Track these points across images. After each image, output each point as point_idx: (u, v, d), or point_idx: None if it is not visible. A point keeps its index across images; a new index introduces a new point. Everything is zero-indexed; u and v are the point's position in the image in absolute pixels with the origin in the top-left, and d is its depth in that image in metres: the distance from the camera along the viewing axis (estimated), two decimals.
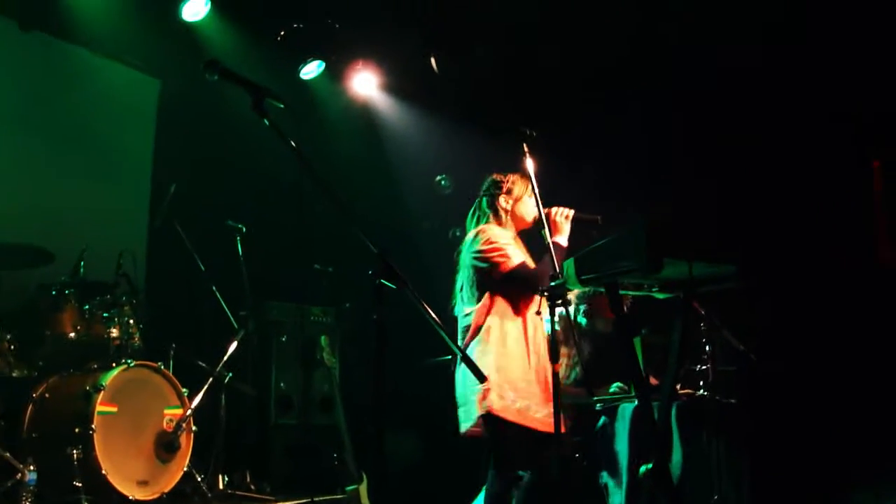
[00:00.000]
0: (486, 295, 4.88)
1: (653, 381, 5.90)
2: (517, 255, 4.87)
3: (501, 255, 4.83)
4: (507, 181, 5.10)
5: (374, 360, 3.53)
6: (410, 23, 7.55)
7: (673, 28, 7.09)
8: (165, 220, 6.60)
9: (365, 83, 8.00)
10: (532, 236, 5.11)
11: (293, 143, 3.59)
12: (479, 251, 4.89)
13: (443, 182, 8.14)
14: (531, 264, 4.93)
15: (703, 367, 5.79)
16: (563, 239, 4.88)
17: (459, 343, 4.96)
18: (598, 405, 6.15)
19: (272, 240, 7.21)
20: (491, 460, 4.86)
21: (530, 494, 4.99)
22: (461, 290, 5.02)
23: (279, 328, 7.16)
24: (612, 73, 7.23)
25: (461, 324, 4.99)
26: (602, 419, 6.12)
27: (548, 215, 4.90)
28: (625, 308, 5.86)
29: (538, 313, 4.76)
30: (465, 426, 4.84)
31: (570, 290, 4.35)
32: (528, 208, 5.03)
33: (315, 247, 7.41)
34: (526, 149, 4.69)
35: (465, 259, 5.00)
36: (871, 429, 6.53)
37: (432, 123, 7.96)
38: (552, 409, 4.75)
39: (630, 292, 4.18)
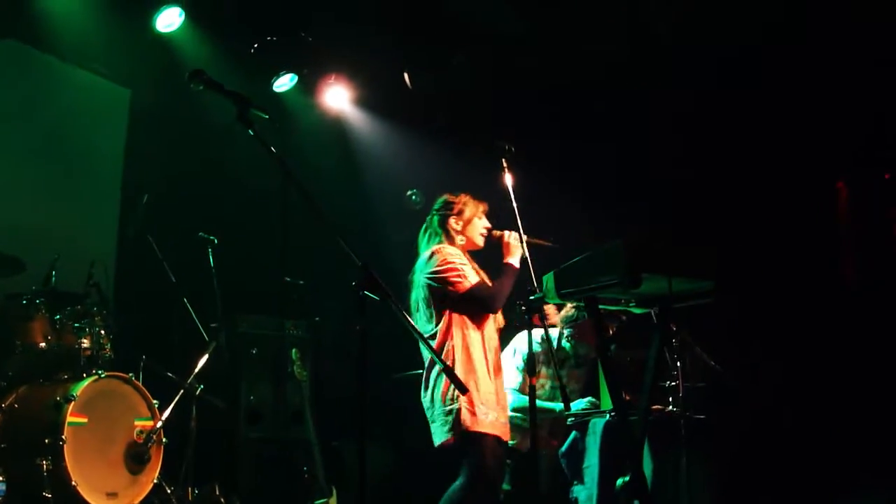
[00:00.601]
0: (445, 314, 4.98)
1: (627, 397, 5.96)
2: (473, 275, 4.99)
3: (458, 276, 4.93)
4: (459, 202, 5.22)
5: (357, 371, 3.56)
6: (384, 37, 7.58)
7: (649, 43, 7.20)
8: (138, 230, 6.56)
9: (337, 97, 8.02)
10: (484, 256, 5.21)
11: (277, 154, 3.59)
12: (435, 272, 4.98)
13: (413, 197, 8.14)
14: (488, 283, 5.05)
15: (674, 383, 5.86)
16: (515, 260, 4.99)
17: (424, 362, 5.07)
18: (569, 420, 6.20)
19: (244, 252, 7.19)
20: (464, 472, 4.90)
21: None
22: (417, 310, 5.10)
23: (250, 341, 7.12)
24: (589, 87, 7.30)
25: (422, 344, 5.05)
26: (573, 434, 6.17)
27: (500, 237, 5.07)
28: (610, 332, 5.94)
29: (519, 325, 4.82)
30: (438, 440, 4.92)
31: (547, 304, 4.40)
32: (478, 230, 5.16)
33: (287, 260, 7.39)
34: (504, 164, 4.75)
35: (420, 279, 5.09)
36: (838, 444, 6.63)
37: (404, 138, 8.00)
38: (504, 418, 5.03)
39: (609, 307, 4.23)
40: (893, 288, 7.46)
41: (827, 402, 6.78)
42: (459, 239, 5.14)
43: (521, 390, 6.19)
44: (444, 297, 4.93)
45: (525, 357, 5.66)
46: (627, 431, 4.20)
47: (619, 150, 7.29)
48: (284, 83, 7.85)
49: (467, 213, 5.14)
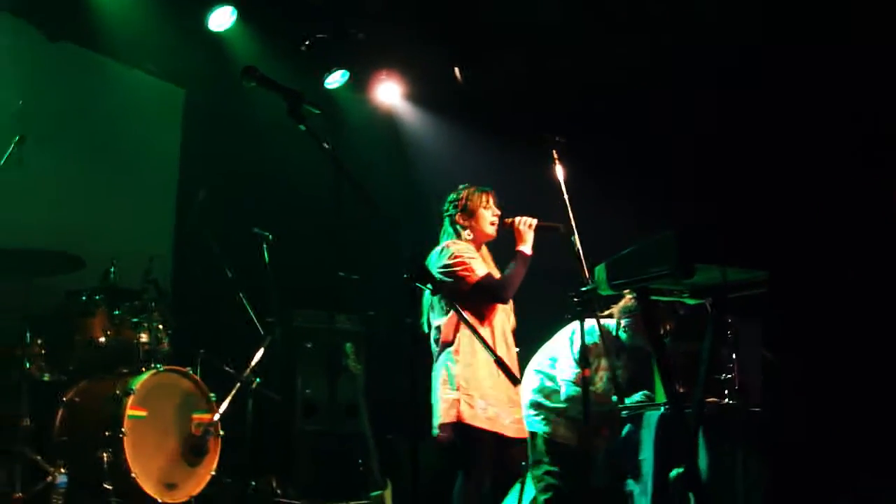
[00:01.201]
0: (454, 308, 4.93)
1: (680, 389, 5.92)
2: (481, 267, 5.01)
3: (466, 269, 4.96)
4: (462, 197, 5.26)
5: (409, 362, 3.58)
6: (434, 33, 7.61)
7: (692, 32, 7.13)
8: (194, 226, 6.65)
9: (389, 92, 8.06)
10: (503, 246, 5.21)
11: (329, 148, 3.62)
12: (444, 266, 5.01)
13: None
14: (496, 275, 5.09)
15: (728, 376, 5.82)
16: (527, 248, 5.03)
17: (432, 352, 5.11)
18: (623, 412, 6.18)
19: (298, 247, 7.25)
20: (460, 466, 4.94)
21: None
22: (432, 308, 5.11)
23: (305, 335, 7.21)
24: (639, 78, 7.26)
25: (432, 336, 5.10)
26: (627, 427, 6.15)
27: (511, 224, 5.08)
28: (668, 327, 5.90)
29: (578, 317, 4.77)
30: (435, 426, 4.97)
31: (599, 295, 4.39)
32: (487, 220, 5.17)
33: (341, 255, 7.45)
34: (555, 155, 4.75)
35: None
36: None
37: (456, 132, 8.01)
38: (518, 416, 5.07)
39: (661, 297, 4.20)
40: None
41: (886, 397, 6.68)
42: (467, 234, 5.17)
43: (576, 382, 6.18)
44: (455, 290, 4.94)
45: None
46: (681, 424, 4.16)
47: (671, 144, 7.24)
48: (336, 80, 7.90)
49: (471, 206, 5.18)
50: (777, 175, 6.98)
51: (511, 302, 5.21)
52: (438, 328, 5.02)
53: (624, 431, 6.15)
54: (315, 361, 7.21)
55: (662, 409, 5.77)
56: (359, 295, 7.41)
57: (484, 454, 4.90)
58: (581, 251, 4.68)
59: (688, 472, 3.92)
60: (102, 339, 6.01)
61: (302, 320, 7.22)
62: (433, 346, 5.09)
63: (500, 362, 3.70)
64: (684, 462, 4.02)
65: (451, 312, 4.96)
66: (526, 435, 5.12)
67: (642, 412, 6.08)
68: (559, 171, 4.79)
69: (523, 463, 5.51)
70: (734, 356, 5.59)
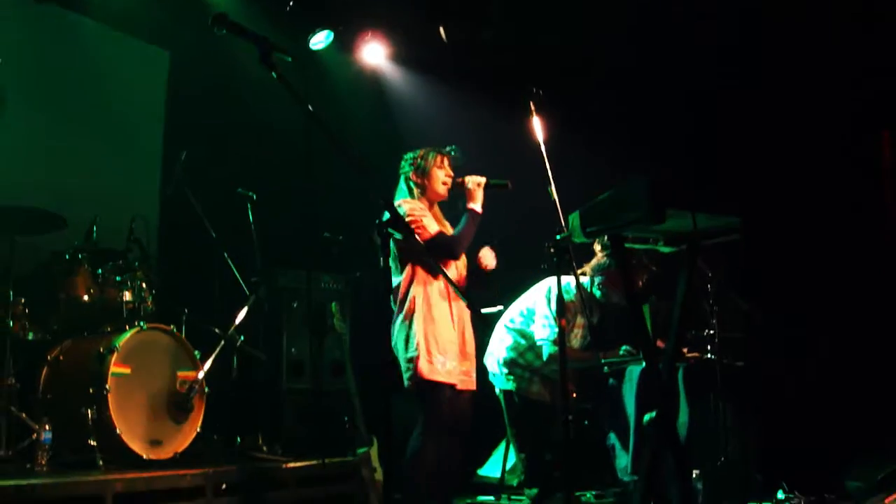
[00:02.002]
0: (408, 266, 5.10)
1: (660, 344, 5.97)
2: (433, 224, 5.10)
3: (419, 227, 5.03)
4: (417, 157, 5.33)
5: (382, 306, 3.61)
6: None
7: None
8: (177, 187, 6.66)
9: (374, 53, 8.04)
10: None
11: (301, 95, 3.62)
12: None
13: (453, 153, 8.16)
14: (448, 231, 5.17)
15: (711, 332, 5.86)
16: (477, 206, 5.13)
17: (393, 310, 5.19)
18: (605, 368, 6.23)
19: (283, 208, 7.26)
20: (420, 420, 5.05)
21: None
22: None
23: (290, 295, 7.23)
24: (619, 36, 7.26)
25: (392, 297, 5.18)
26: (610, 381, 6.20)
27: (461, 183, 5.18)
28: (640, 283, 5.95)
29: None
30: (405, 385, 5.08)
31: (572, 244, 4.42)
32: (439, 181, 5.24)
33: (326, 215, 7.46)
34: (532, 107, 4.77)
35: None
36: (875, 396, 6.59)
37: (443, 93, 8.01)
38: (468, 367, 5.17)
39: (636, 245, 4.23)
40: None
41: (862, 351, 6.73)
42: (419, 192, 5.25)
43: (555, 342, 6.23)
44: (408, 248, 5.05)
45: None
46: (656, 377, 4.18)
47: (658, 96, 7.25)
48: (320, 41, 7.87)
49: (425, 166, 5.25)
50: (752, 122, 7.00)
51: (464, 258, 5.29)
52: (396, 288, 5.10)
53: (607, 386, 6.23)
54: (300, 321, 7.23)
55: (644, 363, 5.82)
56: (344, 256, 7.43)
57: (444, 408, 5.02)
58: (558, 201, 4.69)
59: (659, 414, 3.94)
60: (86, 298, 6.03)
61: (287, 280, 7.23)
62: (392, 305, 5.16)
63: (476, 311, 3.75)
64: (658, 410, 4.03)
65: (406, 272, 5.07)
66: (472, 388, 5.20)
67: (624, 367, 6.14)
68: (536, 123, 4.80)
69: None
70: (715, 310, 5.62)
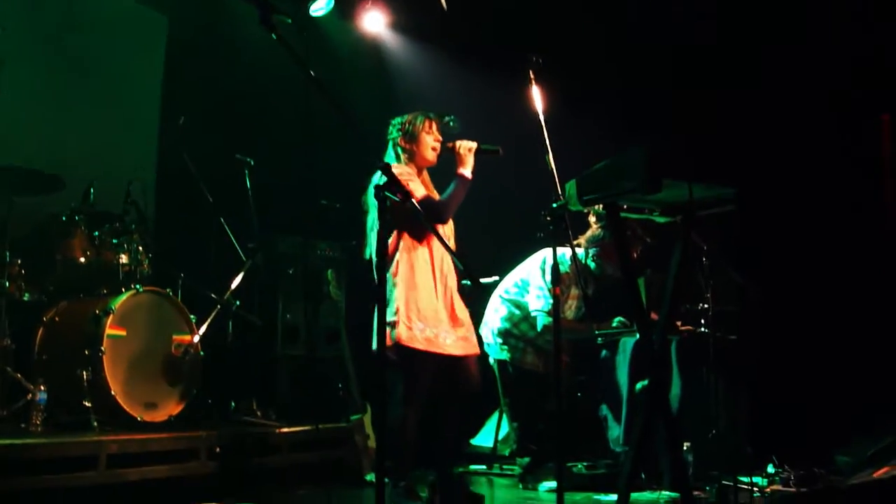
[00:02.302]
0: (395, 231, 5.09)
1: (654, 316, 5.99)
2: (420, 188, 5.09)
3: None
4: (406, 122, 5.30)
5: (377, 270, 3.61)
6: None
7: None
8: (175, 152, 6.65)
9: (374, 21, 8.00)
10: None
11: (300, 59, 3.61)
12: None
13: (451, 122, 8.14)
14: (435, 196, 5.17)
15: (705, 306, 5.87)
16: (467, 171, 5.10)
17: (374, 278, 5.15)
18: (599, 339, 6.25)
19: (281, 174, 7.26)
20: (398, 387, 5.04)
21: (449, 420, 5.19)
22: (371, 230, 5.22)
23: (286, 261, 7.23)
24: (620, 4, 7.24)
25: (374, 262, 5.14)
26: (603, 352, 6.23)
27: (452, 148, 5.15)
28: (635, 254, 5.96)
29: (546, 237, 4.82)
30: (375, 346, 4.97)
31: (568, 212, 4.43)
32: (428, 146, 5.22)
33: (324, 182, 7.45)
34: (532, 76, 4.76)
35: (371, 199, 5.11)
36: (867, 374, 6.62)
37: (442, 61, 7.99)
38: (465, 333, 5.14)
39: (632, 215, 4.24)
40: None
41: (855, 327, 6.76)
42: (406, 157, 5.24)
43: (549, 313, 6.26)
44: (395, 213, 4.94)
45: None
46: (649, 348, 4.20)
47: (658, 67, 7.25)
48: (321, 7, 7.81)
49: (413, 131, 5.23)
50: (749, 94, 7.00)
51: (452, 225, 5.29)
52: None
53: (601, 357, 6.25)
54: (296, 288, 7.24)
55: (637, 335, 5.85)
56: (341, 223, 7.43)
57: (421, 376, 4.99)
58: (555, 171, 4.69)
59: (652, 383, 3.96)
60: (82, 260, 6.04)
61: (284, 246, 7.24)
62: (374, 272, 5.11)
63: (470, 276, 3.77)
64: (650, 379, 4.05)
65: (392, 237, 5.06)
66: (474, 351, 5.17)
67: (618, 339, 6.16)
68: (535, 92, 4.79)
69: None
70: (710, 283, 5.63)
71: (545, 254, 6.36)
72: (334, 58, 8.05)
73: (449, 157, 5.20)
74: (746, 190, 3.99)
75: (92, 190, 6.15)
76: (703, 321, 6.05)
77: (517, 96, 5.08)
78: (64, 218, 6.05)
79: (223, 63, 7.72)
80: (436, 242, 5.12)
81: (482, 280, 5.38)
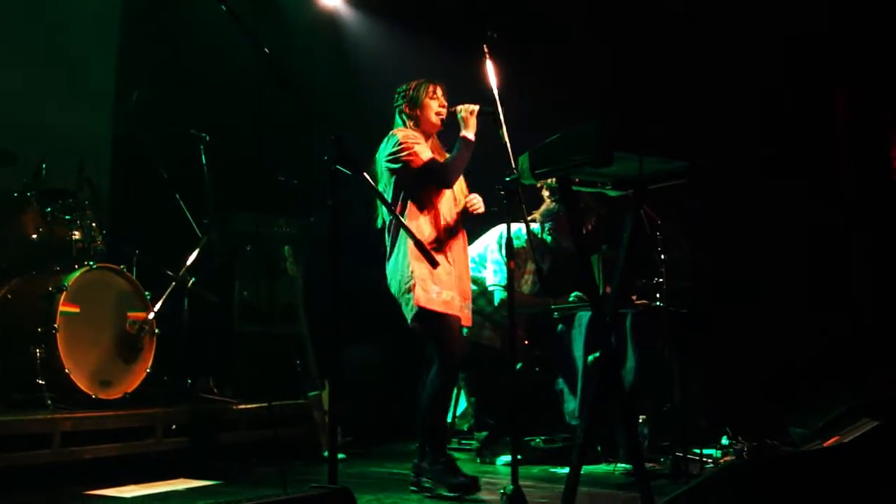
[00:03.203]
0: (401, 198, 5.11)
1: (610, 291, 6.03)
2: (426, 152, 5.11)
3: (411, 154, 5.07)
4: (409, 88, 5.32)
5: (330, 246, 3.60)
6: None
7: None
8: (129, 127, 6.58)
9: None
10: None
11: (252, 32, 3.59)
12: (391, 154, 5.13)
13: None
14: (441, 160, 5.18)
15: (659, 280, 5.92)
16: (470, 133, 5.11)
17: (386, 248, 5.22)
18: (555, 314, 6.29)
19: (237, 150, 7.20)
20: (435, 354, 5.08)
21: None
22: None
23: (243, 238, 7.18)
24: None
25: (385, 233, 5.22)
26: (559, 326, 6.27)
27: (453, 112, 5.17)
28: (589, 226, 6.00)
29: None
30: (409, 321, 5.09)
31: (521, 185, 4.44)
32: (432, 111, 5.24)
33: (281, 158, 7.42)
34: (486, 50, 4.76)
35: (380, 166, 5.20)
36: (820, 345, 6.72)
37: (399, 35, 7.96)
38: (463, 304, 5.15)
39: (584, 188, 4.25)
40: (886, 192, 7.49)
41: (807, 300, 6.86)
42: (412, 124, 5.26)
43: (506, 288, 6.28)
44: (402, 176, 5.08)
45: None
46: (601, 321, 4.21)
47: (613, 40, 7.27)
48: None
49: (416, 97, 5.25)
50: (707, 69, 7.04)
51: (464, 187, 5.32)
52: (388, 223, 5.13)
53: (557, 331, 6.29)
54: (253, 264, 7.20)
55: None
56: (299, 200, 7.40)
57: (451, 338, 5.02)
58: (509, 145, 4.69)
59: (603, 354, 3.99)
60: (34, 237, 5.95)
61: (239, 223, 7.18)
62: (386, 240, 5.18)
63: (419, 244, 3.78)
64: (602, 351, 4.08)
65: (399, 203, 5.07)
66: (467, 322, 5.21)
67: (574, 313, 6.20)
68: (490, 66, 4.79)
69: None
70: (663, 258, 5.68)
71: (501, 229, 6.38)
72: (291, 31, 7.99)
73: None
74: (700, 163, 4.01)
75: (44, 166, 6.05)
76: (657, 295, 6.11)
77: (473, 70, 5.08)
78: (15, 194, 5.94)
79: (180, 37, 7.62)
80: (444, 208, 5.15)
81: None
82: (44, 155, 6.12)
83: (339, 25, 8.27)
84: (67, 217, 6.00)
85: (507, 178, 4.34)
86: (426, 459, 5.09)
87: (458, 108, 5.15)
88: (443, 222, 5.14)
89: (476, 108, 5.10)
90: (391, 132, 5.24)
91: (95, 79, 7.60)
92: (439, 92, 5.28)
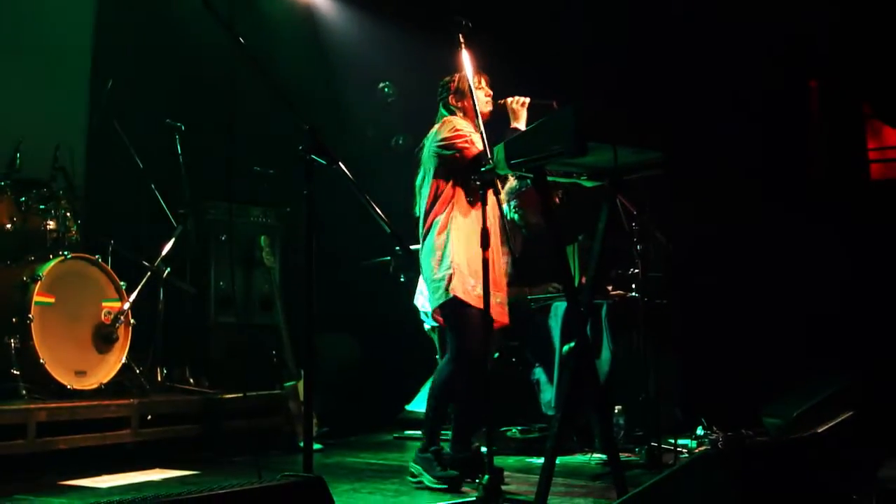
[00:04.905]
0: (449, 185, 5.05)
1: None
2: (479, 141, 4.99)
3: (466, 141, 5.01)
4: (454, 80, 5.23)
5: (305, 236, 3.60)
6: None
7: None
8: (104, 116, 6.54)
9: None
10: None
11: (226, 22, 3.58)
12: (444, 139, 5.07)
13: (386, 89, 8.13)
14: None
15: (635, 270, 5.95)
16: (521, 125, 5.01)
17: (420, 235, 5.16)
18: (532, 304, 6.30)
19: (212, 139, 7.15)
20: (450, 347, 5.04)
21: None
22: (421, 186, 5.17)
23: (218, 227, 7.16)
24: None
25: (422, 220, 5.14)
26: (536, 317, 6.28)
27: (505, 104, 5.07)
28: (556, 199, 5.97)
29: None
30: (432, 306, 5.08)
31: (499, 176, 4.44)
32: (482, 100, 5.12)
33: (257, 148, 7.39)
34: (461, 39, 4.74)
35: (430, 150, 5.14)
36: (795, 335, 6.77)
37: (374, 24, 7.95)
38: (501, 299, 5.11)
39: (559, 179, 4.26)
40: (859, 183, 7.57)
41: (782, 290, 6.90)
42: (462, 115, 5.19)
43: None
44: (453, 163, 5.01)
45: None
46: (577, 311, 4.21)
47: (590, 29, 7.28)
48: None
49: (462, 88, 5.15)
50: (684, 60, 7.07)
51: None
52: (430, 208, 5.06)
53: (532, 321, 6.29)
54: (229, 254, 7.17)
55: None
56: (275, 190, 7.39)
57: (474, 332, 4.92)
58: (485, 135, 4.69)
59: (577, 344, 4.01)
60: (9, 227, 5.91)
61: (215, 213, 7.15)
62: (421, 227, 5.13)
63: (398, 239, 3.79)
64: (577, 341, 4.10)
65: (446, 190, 5.02)
66: (506, 320, 5.13)
67: (550, 303, 6.21)
68: (465, 56, 4.77)
69: None
70: (639, 248, 5.70)
71: None
72: (266, 22, 7.95)
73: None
74: (675, 154, 4.02)
75: (18, 155, 6.00)
76: (633, 286, 6.14)
77: (449, 60, 5.07)
78: None
79: (155, 26, 7.56)
80: (488, 199, 4.94)
81: (412, 247, 5.36)
82: (18, 144, 6.07)
83: (314, 15, 8.23)
84: (42, 207, 5.98)
85: (483, 168, 4.34)
86: (420, 445, 5.10)
87: (509, 100, 5.05)
88: (487, 213, 5.03)
89: (527, 99, 5.00)
90: (444, 119, 5.17)
91: (70, 68, 7.52)
92: (484, 82, 5.21)
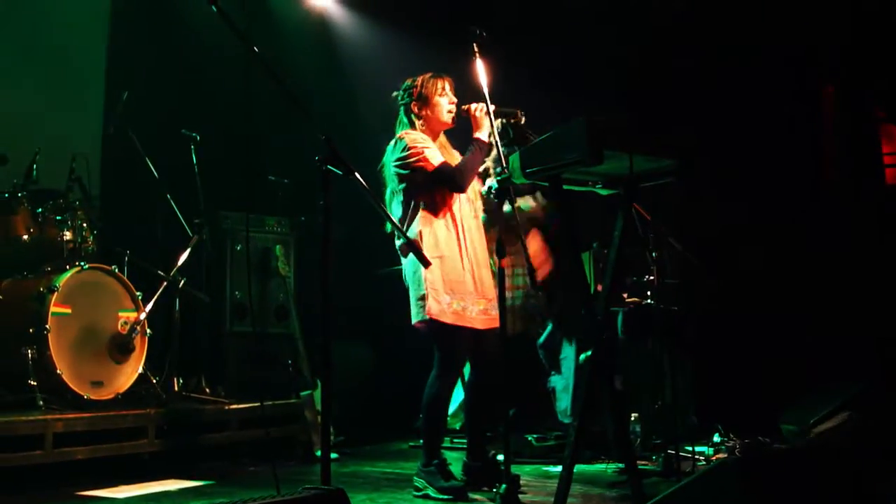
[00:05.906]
0: (416, 201, 4.95)
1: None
2: (436, 155, 4.92)
3: (421, 159, 4.88)
4: (417, 85, 5.09)
5: (322, 246, 3.60)
6: None
7: None
8: (119, 127, 6.56)
9: None
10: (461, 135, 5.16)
11: (242, 32, 3.59)
12: (399, 158, 4.94)
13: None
14: (453, 163, 5.00)
15: (650, 278, 5.94)
16: (483, 134, 4.93)
17: (397, 249, 5.10)
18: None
19: (228, 149, 7.19)
20: (434, 362, 5.01)
21: (475, 391, 5.17)
22: (390, 203, 5.04)
23: (233, 237, 7.17)
24: None
25: (396, 238, 5.06)
26: (549, 325, 6.28)
27: (466, 111, 4.97)
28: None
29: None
30: (413, 321, 5.00)
31: (514, 184, 4.41)
32: (444, 109, 5.03)
33: (272, 158, 7.41)
34: (476, 49, 4.73)
35: (389, 170, 5.03)
36: (812, 342, 6.74)
37: (388, 34, 7.96)
38: (487, 306, 5.00)
39: (574, 187, 4.25)
40: (873, 188, 7.54)
41: (799, 296, 6.88)
42: (421, 123, 5.05)
43: None
44: (413, 181, 4.91)
45: None
46: (593, 319, 4.20)
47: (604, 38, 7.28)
48: None
49: (426, 94, 5.03)
50: (698, 70, 7.06)
51: (478, 192, 5.20)
52: (401, 225, 4.95)
53: (547, 330, 6.30)
54: (244, 264, 7.18)
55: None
56: (289, 199, 7.40)
57: (454, 349, 4.93)
58: (499, 143, 4.66)
59: (594, 353, 4.00)
60: (26, 237, 5.94)
61: (230, 222, 7.16)
62: (397, 245, 5.05)
63: (412, 245, 3.77)
64: (594, 349, 4.09)
65: (411, 207, 4.93)
66: (494, 325, 4.93)
67: None
68: (479, 65, 4.75)
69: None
70: (654, 255, 5.69)
71: None
72: (280, 31, 7.99)
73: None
74: (690, 161, 4.01)
75: (35, 166, 6.04)
76: (648, 293, 6.13)
77: (463, 69, 5.04)
78: (6, 195, 5.94)
79: (169, 36, 7.62)
80: (460, 211, 4.97)
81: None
82: (34, 156, 6.11)
83: (329, 25, 8.26)
84: (58, 217, 5.99)
85: (499, 178, 4.32)
86: (421, 459, 5.07)
87: (472, 106, 4.93)
88: (459, 225, 4.97)
89: (490, 107, 4.80)
90: (397, 136, 5.03)
91: (86, 79, 7.59)
92: (448, 88, 5.06)
